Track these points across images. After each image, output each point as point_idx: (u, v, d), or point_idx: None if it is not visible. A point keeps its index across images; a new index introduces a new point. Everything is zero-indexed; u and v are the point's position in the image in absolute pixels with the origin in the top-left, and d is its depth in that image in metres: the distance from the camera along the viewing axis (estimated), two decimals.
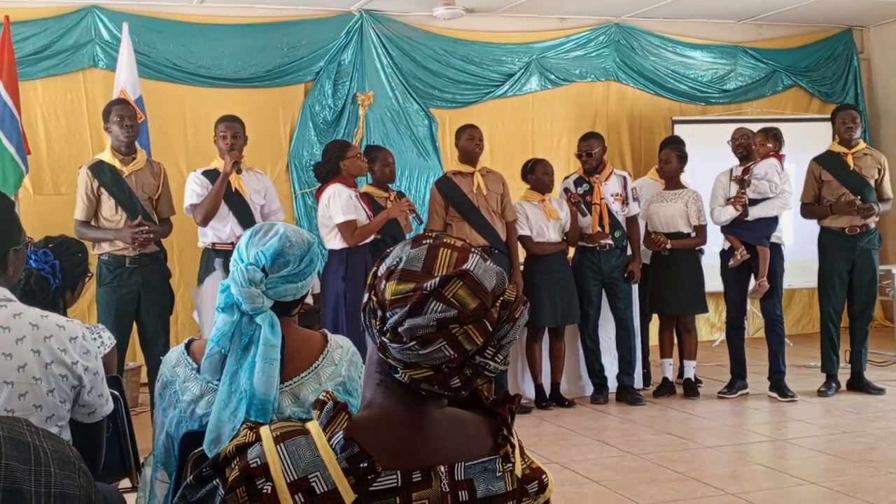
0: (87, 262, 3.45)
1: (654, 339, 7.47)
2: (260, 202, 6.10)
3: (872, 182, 6.79)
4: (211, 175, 5.96)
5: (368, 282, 1.41)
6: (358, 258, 5.85)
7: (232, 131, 5.94)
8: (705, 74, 9.74)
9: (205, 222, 5.89)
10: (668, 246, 6.85)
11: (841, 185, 6.73)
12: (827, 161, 6.85)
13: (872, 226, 6.83)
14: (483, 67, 8.99)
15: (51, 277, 3.10)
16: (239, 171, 5.93)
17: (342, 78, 8.49)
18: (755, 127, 7.16)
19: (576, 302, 6.76)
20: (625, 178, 6.99)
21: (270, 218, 6.07)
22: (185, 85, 8.00)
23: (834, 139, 6.91)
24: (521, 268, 6.81)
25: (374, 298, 1.38)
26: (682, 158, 7.04)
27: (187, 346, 2.41)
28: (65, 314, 3.23)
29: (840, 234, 6.76)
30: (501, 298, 1.35)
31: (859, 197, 6.65)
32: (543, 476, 1.50)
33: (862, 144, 6.93)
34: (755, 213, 6.69)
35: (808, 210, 6.92)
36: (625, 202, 6.88)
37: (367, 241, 5.93)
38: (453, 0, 8.09)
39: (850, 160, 6.78)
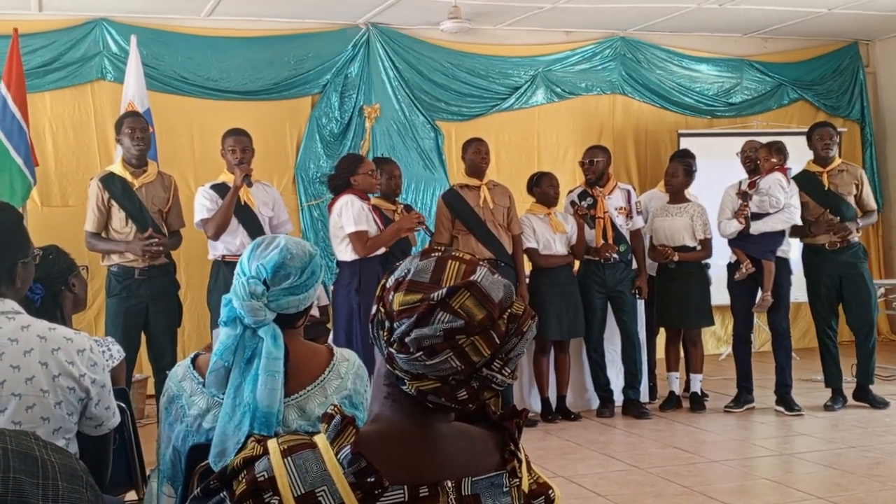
0: (66, 258, 3.30)
1: (660, 352, 7.45)
2: (269, 214, 6.11)
3: (851, 198, 6.81)
4: (219, 189, 5.96)
5: (377, 293, 1.42)
6: (370, 270, 5.84)
7: (241, 145, 5.96)
8: (711, 88, 9.75)
9: (216, 236, 5.89)
10: (676, 258, 6.85)
11: (818, 205, 6.75)
12: (803, 182, 6.86)
13: (854, 239, 6.82)
14: (489, 80, 9.01)
15: (29, 293, 3.04)
16: (250, 185, 5.94)
17: (349, 91, 8.51)
18: (761, 140, 7.15)
19: (581, 315, 6.75)
20: (629, 192, 7.00)
21: (279, 230, 6.08)
22: (192, 97, 8.04)
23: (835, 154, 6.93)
24: (527, 281, 6.81)
25: (382, 310, 1.39)
26: (689, 173, 7.06)
27: (193, 361, 2.40)
28: (65, 320, 3.21)
29: (820, 250, 6.79)
30: (509, 311, 1.35)
31: (838, 217, 6.68)
32: (550, 491, 1.50)
33: (837, 161, 6.93)
34: (758, 227, 6.67)
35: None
36: (629, 216, 6.88)
37: (378, 253, 5.93)
38: (459, 13, 8.11)
39: (824, 179, 6.80)
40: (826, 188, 6.79)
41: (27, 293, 2.96)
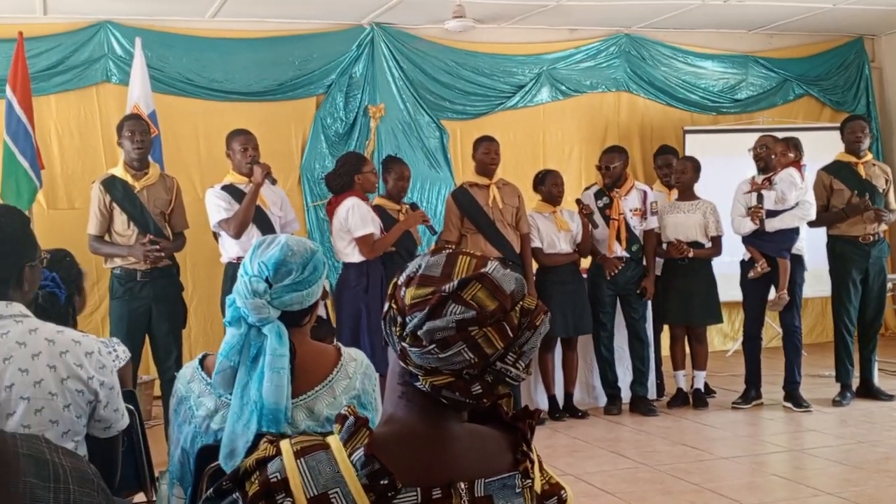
0: (76, 263, 3.51)
1: (664, 350, 7.43)
2: (279, 214, 6.07)
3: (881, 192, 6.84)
4: (230, 190, 5.88)
5: (389, 291, 1.42)
6: (377, 271, 5.84)
7: (252, 143, 5.92)
8: (716, 84, 9.73)
9: (238, 234, 5.78)
10: (691, 254, 6.83)
11: (853, 194, 6.74)
12: (837, 170, 6.86)
13: (882, 235, 6.85)
14: (494, 79, 9.00)
15: (57, 290, 3.12)
16: (273, 182, 5.90)
17: (354, 91, 8.50)
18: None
19: (588, 312, 6.75)
20: (645, 193, 6.96)
21: (286, 229, 6.03)
22: (197, 99, 8.03)
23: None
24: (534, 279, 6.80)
25: (395, 306, 1.39)
26: (698, 169, 7.05)
27: (201, 362, 2.41)
28: (74, 321, 3.26)
29: (854, 242, 6.77)
30: (521, 305, 1.36)
31: (870, 200, 6.68)
32: (562, 492, 1.50)
33: (869, 155, 6.97)
34: (774, 224, 6.65)
35: (817, 219, 6.89)
36: (643, 216, 6.87)
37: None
38: (464, 12, 8.10)
39: (860, 169, 6.80)
40: (863, 177, 6.79)
41: (55, 291, 3.04)
